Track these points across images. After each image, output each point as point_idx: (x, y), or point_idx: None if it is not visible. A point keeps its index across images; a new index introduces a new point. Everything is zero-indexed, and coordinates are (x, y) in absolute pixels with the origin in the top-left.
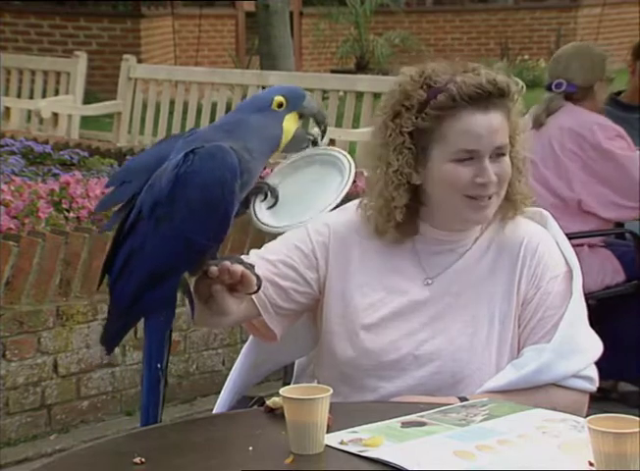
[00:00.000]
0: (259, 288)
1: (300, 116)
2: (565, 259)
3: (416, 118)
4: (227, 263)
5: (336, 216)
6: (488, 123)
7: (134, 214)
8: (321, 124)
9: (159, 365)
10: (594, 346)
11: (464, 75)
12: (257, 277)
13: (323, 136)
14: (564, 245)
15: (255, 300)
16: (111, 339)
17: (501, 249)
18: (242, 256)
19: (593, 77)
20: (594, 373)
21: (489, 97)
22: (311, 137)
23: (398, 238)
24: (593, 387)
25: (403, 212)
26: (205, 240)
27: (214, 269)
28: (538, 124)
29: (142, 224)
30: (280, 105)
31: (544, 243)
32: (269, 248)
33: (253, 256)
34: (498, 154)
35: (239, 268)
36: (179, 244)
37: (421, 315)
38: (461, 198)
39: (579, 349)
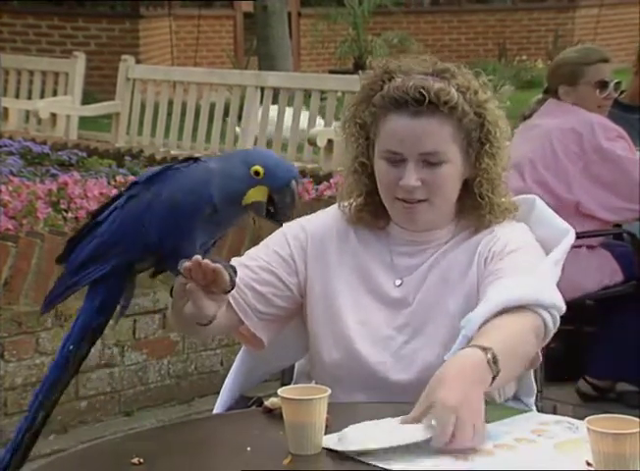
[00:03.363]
0: (234, 285)
1: (272, 192)
2: (550, 237)
3: (364, 111)
4: (198, 257)
5: (313, 219)
6: (412, 128)
7: (119, 193)
8: (280, 215)
9: (72, 347)
10: (559, 298)
11: (404, 77)
12: (230, 275)
13: (278, 221)
14: (556, 223)
15: (235, 307)
16: (51, 299)
17: (466, 246)
18: None
19: (554, 81)
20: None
21: (417, 103)
22: (266, 215)
23: (372, 229)
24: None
25: (362, 198)
26: (153, 235)
27: (186, 264)
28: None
29: (118, 200)
30: (256, 173)
31: (501, 227)
32: (249, 255)
33: (234, 263)
34: (429, 161)
35: (209, 262)
36: (131, 226)
37: (399, 316)
38: (393, 200)
39: (548, 286)
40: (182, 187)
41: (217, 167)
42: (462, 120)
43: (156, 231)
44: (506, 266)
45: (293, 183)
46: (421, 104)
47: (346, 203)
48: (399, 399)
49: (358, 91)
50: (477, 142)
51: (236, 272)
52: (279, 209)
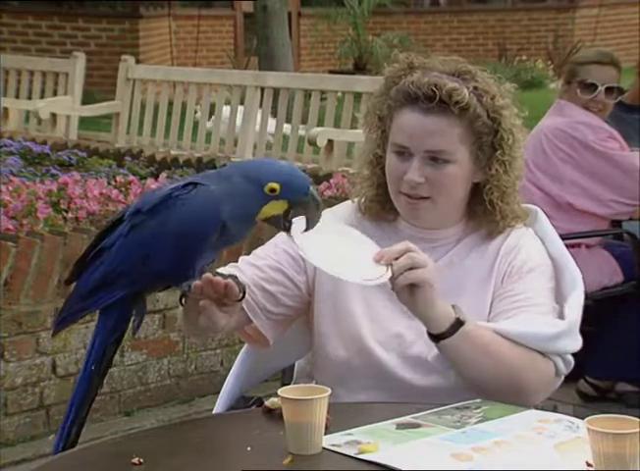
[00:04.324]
0: (244, 295)
1: (292, 204)
2: (550, 255)
3: (383, 103)
4: (209, 274)
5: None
6: (422, 124)
7: (122, 214)
8: (310, 225)
9: (93, 367)
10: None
11: (422, 73)
12: (239, 284)
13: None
14: (553, 242)
15: (244, 306)
16: (60, 321)
17: (482, 252)
18: (230, 265)
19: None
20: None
21: (428, 99)
22: (284, 227)
23: (380, 224)
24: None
25: (373, 189)
26: (161, 265)
27: (197, 283)
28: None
29: (122, 225)
30: (272, 191)
31: (517, 234)
32: (257, 254)
33: (242, 263)
34: (434, 159)
35: (220, 279)
36: (138, 256)
37: (406, 315)
38: (398, 193)
39: (577, 335)
40: (187, 217)
41: (222, 189)
42: (474, 122)
43: (164, 261)
44: (526, 288)
45: (312, 188)
46: (432, 101)
47: (358, 193)
48: (402, 398)
49: (382, 83)
50: (489, 147)
51: (241, 284)
52: (308, 220)
